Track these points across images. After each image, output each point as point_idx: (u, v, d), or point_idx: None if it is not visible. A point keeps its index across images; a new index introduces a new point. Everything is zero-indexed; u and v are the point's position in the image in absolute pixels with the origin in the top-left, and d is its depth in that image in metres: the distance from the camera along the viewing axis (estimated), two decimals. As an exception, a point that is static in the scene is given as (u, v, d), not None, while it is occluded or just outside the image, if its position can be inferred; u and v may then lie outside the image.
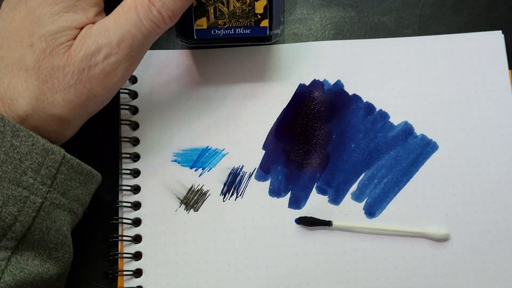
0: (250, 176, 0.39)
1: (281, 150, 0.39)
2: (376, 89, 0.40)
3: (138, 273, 0.37)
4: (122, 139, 0.39)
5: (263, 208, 0.39)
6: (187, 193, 0.39)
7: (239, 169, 0.39)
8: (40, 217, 0.31)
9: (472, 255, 0.38)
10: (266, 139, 0.39)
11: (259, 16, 0.35)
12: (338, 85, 0.40)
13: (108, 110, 0.36)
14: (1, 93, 0.31)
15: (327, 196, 0.39)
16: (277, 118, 0.40)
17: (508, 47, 0.41)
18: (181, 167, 0.39)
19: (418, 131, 0.40)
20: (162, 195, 0.38)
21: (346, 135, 0.40)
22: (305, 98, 0.40)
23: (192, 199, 0.38)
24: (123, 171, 0.38)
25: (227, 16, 0.35)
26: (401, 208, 0.39)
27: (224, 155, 0.39)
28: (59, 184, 0.32)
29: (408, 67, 0.41)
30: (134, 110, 0.39)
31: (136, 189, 0.38)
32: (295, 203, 0.39)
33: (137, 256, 0.38)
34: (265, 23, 0.35)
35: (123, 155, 0.38)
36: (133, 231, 0.38)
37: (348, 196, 0.39)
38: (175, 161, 0.39)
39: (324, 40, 0.41)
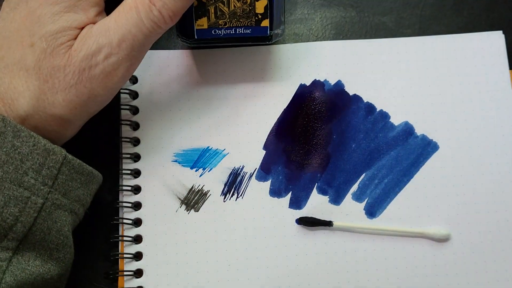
0: (250, 176, 0.39)
1: (282, 150, 0.39)
2: (376, 89, 0.40)
3: (138, 273, 0.37)
4: (123, 139, 0.39)
5: (264, 208, 0.39)
6: (188, 194, 0.38)
7: (239, 170, 0.39)
8: (41, 218, 0.31)
9: (473, 255, 0.38)
10: (266, 139, 0.39)
11: (260, 16, 0.35)
12: (339, 85, 0.40)
13: (108, 110, 0.36)
14: (2, 93, 0.31)
15: (327, 196, 0.39)
16: (278, 118, 0.40)
17: (509, 47, 0.41)
18: (181, 167, 0.39)
19: (418, 131, 0.40)
20: (162, 196, 0.38)
21: (346, 135, 0.40)
22: (305, 98, 0.40)
23: (193, 200, 0.38)
24: (124, 171, 0.38)
25: (227, 16, 0.35)
26: (402, 208, 0.39)
27: (224, 155, 0.39)
28: (60, 184, 0.32)
29: (408, 67, 0.41)
30: (135, 110, 0.39)
31: (136, 189, 0.38)
32: (296, 203, 0.39)
33: (138, 256, 0.38)
34: (265, 23, 0.35)
35: (123, 155, 0.38)
36: (133, 232, 0.38)
37: (348, 196, 0.39)
38: (176, 161, 0.39)
39: (324, 40, 0.41)
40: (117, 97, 0.38)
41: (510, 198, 0.39)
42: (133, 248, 0.38)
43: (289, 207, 0.39)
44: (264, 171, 0.39)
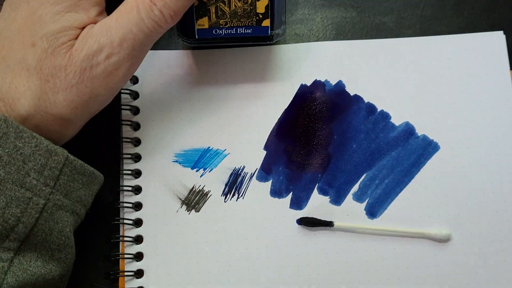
0: (251, 176, 0.39)
1: (283, 150, 0.39)
2: (377, 89, 0.40)
3: (139, 273, 0.37)
4: (123, 139, 0.38)
5: (264, 208, 0.39)
6: (188, 194, 0.38)
7: (240, 170, 0.39)
8: (43, 218, 0.31)
9: (474, 255, 0.38)
10: (267, 139, 0.39)
11: (261, 16, 0.35)
12: (340, 85, 0.40)
13: (109, 111, 0.36)
14: (3, 93, 0.31)
15: (328, 196, 0.39)
16: (279, 119, 0.40)
17: (509, 48, 0.41)
18: (182, 168, 0.39)
19: (419, 131, 0.40)
20: (163, 196, 0.38)
21: (347, 136, 0.40)
22: (306, 98, 0.40)
23: (193, 200, 0.38)
24: (124, 172, 0.38)
25: (228, 16, 0.35)
26: (403, 209, 0.39)
27: (225, 155, 0.39)
28: (62, 185, 0.32)
29: (409, 67, 0.41)
30: (135, 111, 0.39)
31: (137, 190, 0.38)
32: (296, 203, 0.39)
33: (138, 256, 0.37)
34: (266, 22, 0.35)
35: (124, 156, 0.38)
36: (134, 232, 0.38)
37: (349, 196, 0.39)
38: (176, 161, 0.39)
39: (325, 40, 0.41)
40: (117, 97, 0.38)
41: (511, 198, 0.39)
42: (134, 249, 0.38)
43: (289, 208, 0.39)
44: (264, 172, 0.39)
